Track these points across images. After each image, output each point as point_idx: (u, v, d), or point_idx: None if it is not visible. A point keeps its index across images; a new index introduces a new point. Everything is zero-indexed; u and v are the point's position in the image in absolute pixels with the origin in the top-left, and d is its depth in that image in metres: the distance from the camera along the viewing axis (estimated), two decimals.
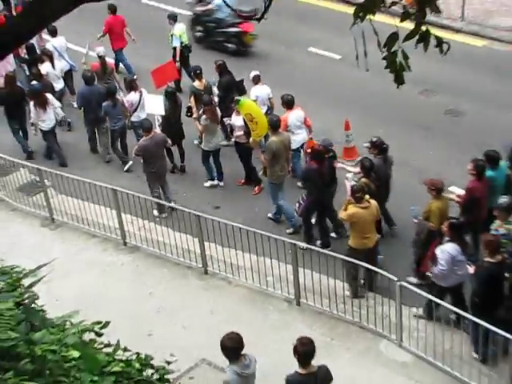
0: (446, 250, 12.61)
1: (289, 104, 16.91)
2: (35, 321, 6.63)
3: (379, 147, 15.06)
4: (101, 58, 20.06)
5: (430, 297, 12.39)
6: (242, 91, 18.23)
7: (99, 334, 7.23)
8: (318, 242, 15.10)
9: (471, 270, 12.65)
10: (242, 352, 9.66)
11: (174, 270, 14.84)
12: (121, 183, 16.76)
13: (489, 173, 14.31)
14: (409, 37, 5.27)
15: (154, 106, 17.79)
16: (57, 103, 18.32)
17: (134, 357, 7.25)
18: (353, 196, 13.52)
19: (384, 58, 5.42)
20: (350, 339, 13.03)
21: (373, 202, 13.59)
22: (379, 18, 5.32)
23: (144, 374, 7.19)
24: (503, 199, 13.44)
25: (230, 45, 23.48)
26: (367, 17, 5.31)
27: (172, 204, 16.02)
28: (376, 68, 6.03)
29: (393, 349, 12.80)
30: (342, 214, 13.88)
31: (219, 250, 14.79)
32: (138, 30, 23.10)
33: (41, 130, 18.40)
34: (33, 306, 7.30)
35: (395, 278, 12.57)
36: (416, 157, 16.43)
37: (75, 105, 19.97)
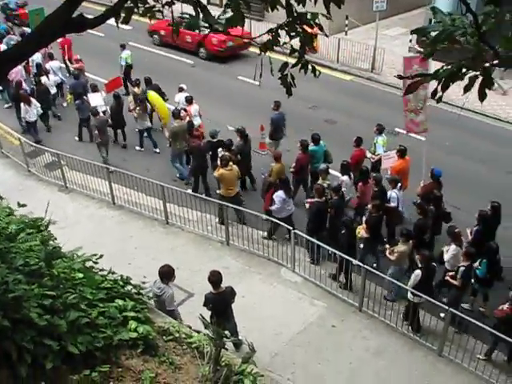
0: (279, 195, 13.12)
1: (189, 101, 17.26)
2: (54, 253, 6.60)
3: (242, 134, 15.42)
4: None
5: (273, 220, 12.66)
6: (163, 95, 18.58)
7: (95, 263, 7.22)
8: (204, 195, 15.19)
9: (307, 204, 13.49)
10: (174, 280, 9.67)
11: (146, 221, 14.73)
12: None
13: (312, 148, 14.94)
14: (295, 64, 5.39)
15: (96, 101, 18.13)
16: (37, 104, 18.08)
17: (119, 278, 7.25)
18: (221, 163, 14.00)
19: (279, 79, 5.51)
20: (261, 267, 13.13)
21: (234, 167, 14.12)
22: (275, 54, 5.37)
23: (125, 289, 7.20)
24: (322, 165, 14.31)
25: None
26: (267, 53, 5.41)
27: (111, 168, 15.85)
28: (278, 89, 6.07)
29: (289, 273, 12.97)
30: (214, 174, 14.33)
31: (176, 208, 14.68)
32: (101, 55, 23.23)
33: (27, 122, 18.17)
34: (51, 243, 7.26)
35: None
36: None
37: (64, 104, 20.60)
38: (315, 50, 24.36)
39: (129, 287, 7.27)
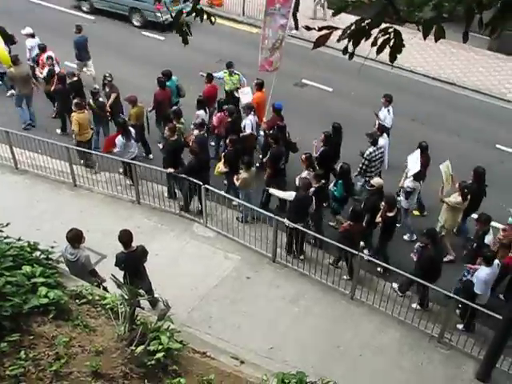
0: (119, 139, 13.59)
1: (43, 49, 16.87)
2: None
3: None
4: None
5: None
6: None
7: (1, 231, 6.97)
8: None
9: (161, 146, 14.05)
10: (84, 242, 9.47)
11: (53, 185, 14.25)
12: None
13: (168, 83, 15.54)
14: (189, 13, 5.29)
15: None
16: None
17: (26, 244, 7.04)
18: (75, 107, 14.28)
19: (174, 27, 5.43)
20: (173, 224, 13.11)
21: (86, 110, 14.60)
22: None
23: (34, 255, 7.00)
24: (174, 107, 14.94)
25: None
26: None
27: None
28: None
29: (201, 228, 13.03)
30: (73, 128, 14.39)
31: (83, 170, 14.33)
32: None
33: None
34: None
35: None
36: None
37: None
38: (220, 3, 24.07)
39: (37, 253, 7.08)
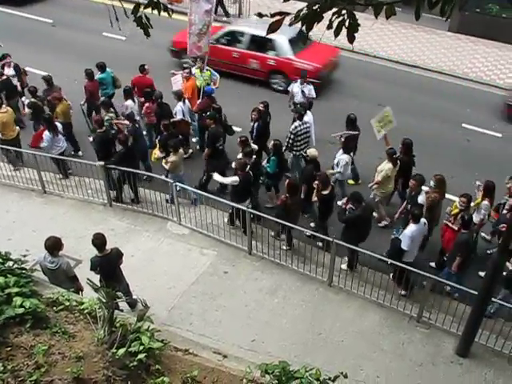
0: (47, 134, 13.67)
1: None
2: None
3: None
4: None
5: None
6: None
7: None
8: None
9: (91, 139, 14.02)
10: (61, 252, 9.31)
11: (22, 193, 14.04)
12: None
13: (100, 76, 15.90)
14: (146, 6, 5.27)
15: None
16: None
17: None
18: None
19: (134, 21, 5.39)
20: (147, 224, 13.02)
21: (9, 109, 14.55)
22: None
23: (6, 265, 6.92)
24: (103, 98, 15.54)
25: None
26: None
27: None
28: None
29: (175, 226, 12.97)
30: None
31: (52, 176, 14.16)
32: None
33: None
34: None
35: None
36: None
37: None
38: (179, 0, 23.91)
39: (10, 263, 7.00)
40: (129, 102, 14.92)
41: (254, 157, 12.87)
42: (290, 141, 13.63)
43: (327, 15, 4.37)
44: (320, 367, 5.85)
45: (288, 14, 4.40)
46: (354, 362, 9.86)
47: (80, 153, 15.34)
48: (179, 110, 14.79)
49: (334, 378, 5.65)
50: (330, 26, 4.34)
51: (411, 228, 10.65)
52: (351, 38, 4.39)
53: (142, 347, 5.81)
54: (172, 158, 12.97)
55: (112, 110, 15.04)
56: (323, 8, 4.26)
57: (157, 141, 13.99)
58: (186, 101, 15.04)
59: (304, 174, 12.71)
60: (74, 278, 9.42)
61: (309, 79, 16.26)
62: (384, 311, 10.99)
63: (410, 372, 9.86)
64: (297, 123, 13.67)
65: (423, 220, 10.81)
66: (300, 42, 17.91)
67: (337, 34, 4.35)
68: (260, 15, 4.91)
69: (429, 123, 17.08)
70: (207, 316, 10.68)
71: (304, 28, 4.42)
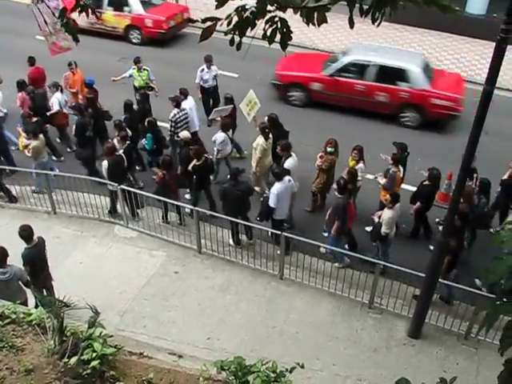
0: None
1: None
2: None
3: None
4: None
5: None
6: None
7: None
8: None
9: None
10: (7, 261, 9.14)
11: None
12: None
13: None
14: (73, 9, 5.12)
15: None
16: None
17: None
18: None
19: (62, 26, 5.29)
20: (93, 230, 12.80)
21: None
22: None
23: None
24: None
25: None
26: None
27: None
28: None
29: (123, 230, 12.82)
30: None
31: None
32: None
33: None
34: None
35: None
36: None
37: None
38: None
39: None
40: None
41: (128, 142, 13.27)
42: (172, 128, 14.12)
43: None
44: (276, 360, 5.85)
45: (219, 19, 4.26)
46: (309, 352, 9.93)
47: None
48: (55, 101, 14.93)
49: (290, 370, 5.65)
50: (265, 36, 4.26)
51: (276, 186, 11.57)
52: (285, 46, 4.33)
53: (94, 354, 5.67)
54: (34, 143, 13.16)
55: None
56: (256, 14, 4.18)
57: (20, 129, 14.01)
58: (65, 92, 15.46)
59: (180, 155, 13.46)
60: (28, 283, 9.33)
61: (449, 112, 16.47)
62: (336, 300, 11.12)
63: (365, 358, 10.01)
64: (175, 111, 14.14)
65: (287, 177, 11.67)
66: (428, 71, 17.27)
67: (270, 42, 4.27)
68: (191, 20, 4.73)
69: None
70: (160, 317, 10.57)
71: (236, 36, 4.27)
